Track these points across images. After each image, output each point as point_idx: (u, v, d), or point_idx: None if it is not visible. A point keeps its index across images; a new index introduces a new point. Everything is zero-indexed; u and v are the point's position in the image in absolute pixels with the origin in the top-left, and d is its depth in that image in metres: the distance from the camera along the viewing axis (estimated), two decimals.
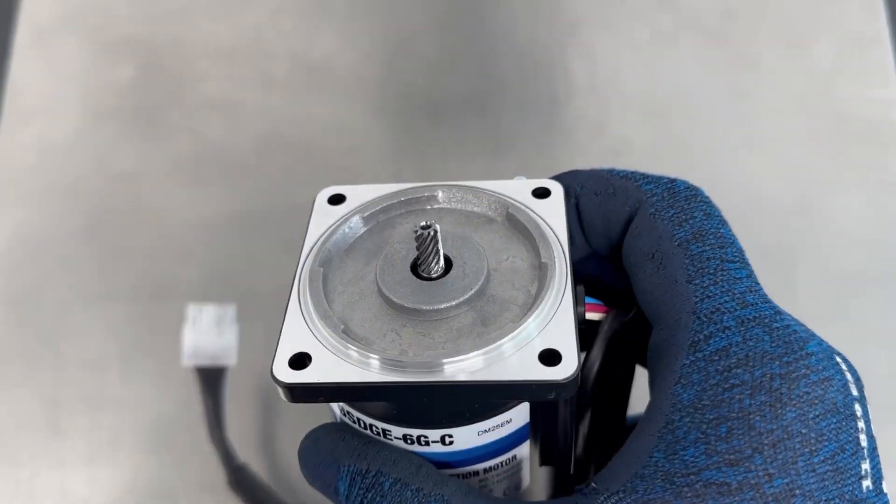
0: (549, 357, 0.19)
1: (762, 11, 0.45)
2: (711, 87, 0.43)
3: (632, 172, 0.23)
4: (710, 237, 0.20)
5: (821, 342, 0.19)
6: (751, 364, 0.18)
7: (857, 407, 0.19)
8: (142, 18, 0.47)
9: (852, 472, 0.18)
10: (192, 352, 0.36)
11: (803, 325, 0.20)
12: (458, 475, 0.22)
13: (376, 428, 0.21)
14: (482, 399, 0.20)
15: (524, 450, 0.23)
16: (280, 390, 0.20)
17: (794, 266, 0.40)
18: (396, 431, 0.21)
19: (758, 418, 0.18)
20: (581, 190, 0.23)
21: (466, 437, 0.21)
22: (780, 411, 0.18)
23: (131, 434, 0.40)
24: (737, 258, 0.20)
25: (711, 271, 0.20)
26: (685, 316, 0.19)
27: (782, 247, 0.41)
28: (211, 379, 0.37)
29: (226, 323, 0.37)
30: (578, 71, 0.44)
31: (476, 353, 0.19)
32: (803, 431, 0.18)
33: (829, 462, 0.18)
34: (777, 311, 0.19)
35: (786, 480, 0.17)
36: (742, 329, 0.19)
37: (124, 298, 0.42)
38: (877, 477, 0.18)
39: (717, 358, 0.19)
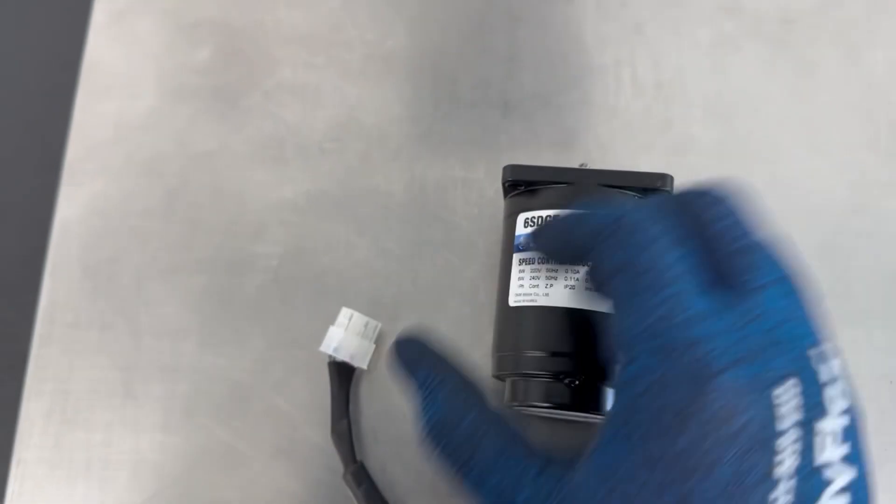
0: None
1: (820, 19, 0.46)
2: (772, 91, 0.45)
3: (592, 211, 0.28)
4: (630, 263, 0.23)
5: (744, 375, 0.21)
6: (658, 395, 0.21)
7: (783, 440, 0.20)
8: (218, 2, 0.49)
9: (754, 495, 0.19)
10: (336, 345, 0.39)
11: (736, 353, 0.21)
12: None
13: (549, 217, 0.35)
14: (619, 181, 0.35)
15: None
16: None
17: (849, 264, 0.42)
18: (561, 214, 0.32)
19: (653, 441, 0.20)
20: (536, 239, 0.33)
21: None
22: (675, 437, 0.20)
23: (205, 402, 0.41)
24: (653, 279, 0.23)
25: (629, 299, 0.23)
26: (616, 344, 0.23)
27: (839, 245, 0.42)
28: (344, 373, 0.39)
29: (371, 332, 0.40)
30: (644, 71, 0.46)
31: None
32: (696, 458, 0.20)
33: (721, 487, 0.19)
34: (695, 335, 0.21)
35: (672, 499, 0.19)
36: (654, 359, 0.21)
37: (201, 271, 0.43)
38: None
39: (633, 384, 0.21)
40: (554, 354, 0.34)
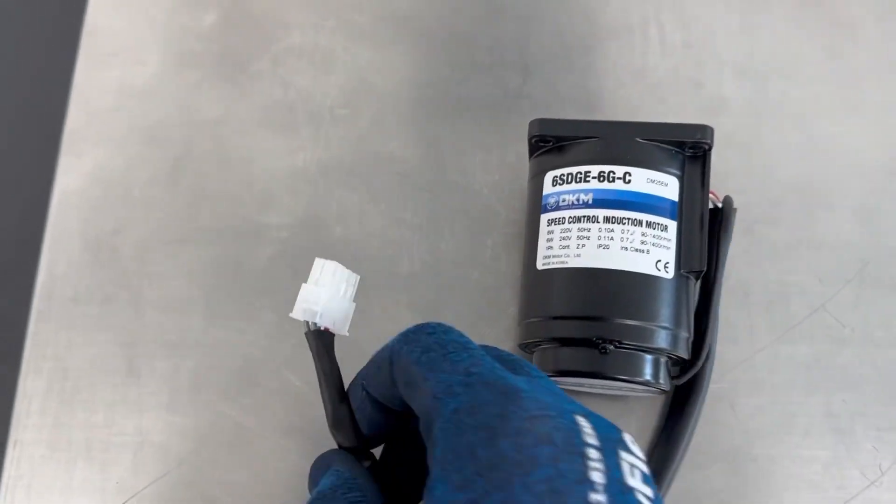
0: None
1: None
2: (807, 51, 0.43)
3: (391, 341, 0.27)
4: (434, 345, 0.25)
5: (547, 400, 0.23)
6: (475, 411, 0.22)
7: (592, 451, 0.21)
8: None
9: (574, 495, 0.20)
10: (320, 309, 0.29)
11: (545, 389, 0.24)
12: (630, 220, 0.32)
13: (580, 173, 0.33)
14: (655, 134, 0.33)
15: (673, 230, 0.32)
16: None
17: (890, 228, 0.40)
18: (594, 171, 0.33)
19: (479, 449, 0.21)
20: (365, 383, 0.28)
21: (640, 179, 0.32)
22: (495, 441, 0.21)
23: (213, 378, 0.39)
24: (456, 347, 0.25)
25: (438, 364, 0.25)
26: (431, 402, 0.24)
27: (879, 209, 0.40)
28: (329, 344, 0.29)
29: (350, 288, 0.30)
30: (672, 30, 0.44)
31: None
32: (517, 457, 0.21)
33: (545, 483, 0.20)
34: (501, 374, 0.24)
35: (502, 495, 0.20)
36: (467, 389, 0.23)
37: (208, 243, 0.41)
38: None
39: (452, 415, 0.23)
40: (587, 318, 0.31)
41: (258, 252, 0.41)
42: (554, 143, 0.34)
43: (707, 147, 0.33)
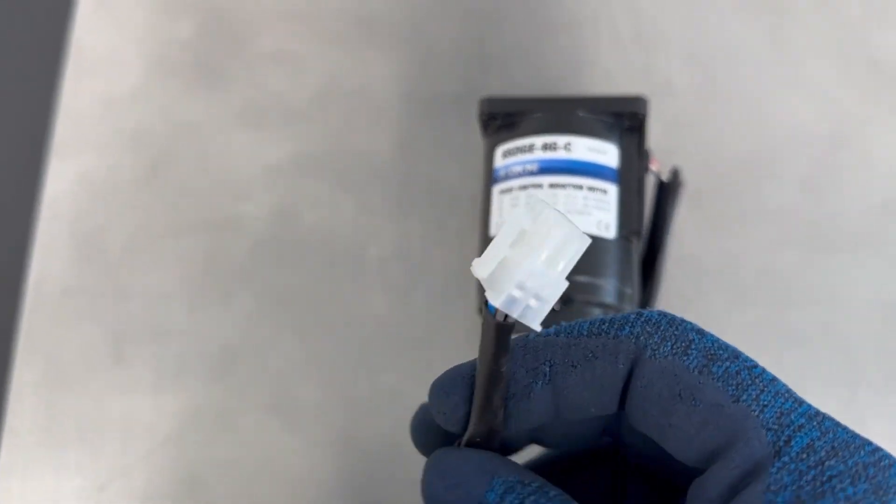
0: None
1: None
2: (750, 35, 0.45)
3: (594, 323, 0.21)
4: (721, 352, 0.20)
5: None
6: (840, 454, 0.18)
7: None
8: None
9: None
10: (520, 293, 0.17)
11: None
12: (572, 185, 0.34)
13: (526, 145, 0.35)
14: (594, 107, 0.35)
15: (613, 194, 0.34)
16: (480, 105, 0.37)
17: (835, 197, 0.42)
18: (539, 142, 0.35)
19: None
20: (552, 367, 0.20)
21: (580, 148, 0.35)
22: (884, 498, 0.17)
23: (196, 362, 0.41)
24: (753, 362, 0.20)
25: (750, 382, 0.19)
26: (753, 432, 0.18)
27: (823, 178, 0.42)
28: (507, 343, 0.19)
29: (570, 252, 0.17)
30: (621, 21, 0.46)
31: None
32: None
33: None
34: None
35: None
36: (815, 423, 0.18)
37: (189, 236, 0.44)
38: None
39: (805, 456, 0.18)
40: None
41: (236, 243, 0.43)
42: (502, 120, 0.36)
43: (642, 117, 0.35)
